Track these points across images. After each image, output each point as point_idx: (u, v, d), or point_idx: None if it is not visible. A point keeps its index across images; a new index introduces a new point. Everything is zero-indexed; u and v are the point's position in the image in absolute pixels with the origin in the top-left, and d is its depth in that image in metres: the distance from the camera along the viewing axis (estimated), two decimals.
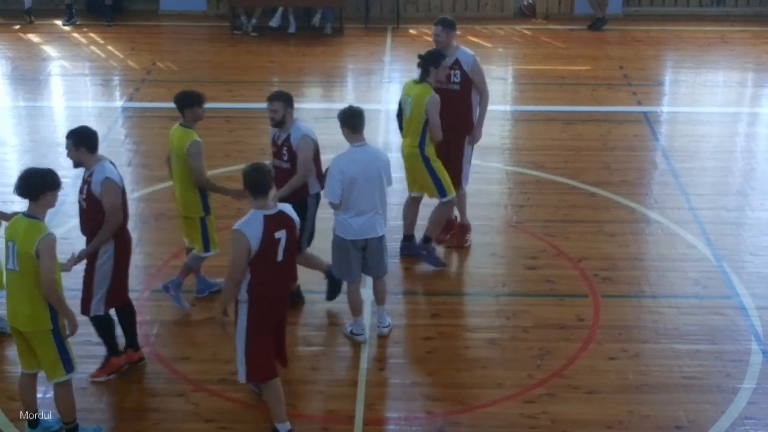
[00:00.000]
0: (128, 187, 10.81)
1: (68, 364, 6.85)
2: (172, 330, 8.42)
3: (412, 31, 16.84)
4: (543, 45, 16.34)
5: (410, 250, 9.48)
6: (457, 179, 9.39)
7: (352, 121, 7.87)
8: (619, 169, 11.49)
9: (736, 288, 9.07)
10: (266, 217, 6.67)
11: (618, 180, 11.18)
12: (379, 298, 8.34)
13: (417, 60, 8.93)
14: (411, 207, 9.44)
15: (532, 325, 8.48)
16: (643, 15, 17.97)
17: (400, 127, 9.19)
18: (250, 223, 6.66)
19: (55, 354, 6.77)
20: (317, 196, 8.43)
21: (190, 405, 7.49)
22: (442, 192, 9.04)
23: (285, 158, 8.21)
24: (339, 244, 8.07)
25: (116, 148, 12.02)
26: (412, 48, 15.77)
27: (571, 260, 9.48)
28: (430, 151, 8.94)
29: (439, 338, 8.37)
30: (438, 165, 8.98)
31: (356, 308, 8.20)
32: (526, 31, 17.03)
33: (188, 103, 8.24)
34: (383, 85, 14.22)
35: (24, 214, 6.70)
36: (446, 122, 8.88)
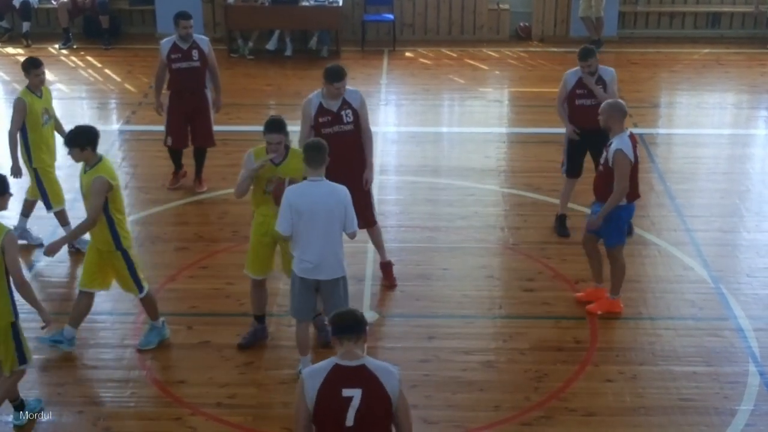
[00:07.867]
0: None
1: (22, 357, 7.11)
2: (167, 353, 8.39)
3: (408, 54, 16.87)
4: (539, 67, 16.39)
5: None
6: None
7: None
8: None
9: (733, 309, 9.07)
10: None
11: None
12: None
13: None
14: None
15: (529, 348, 8.47)
16: (639, 37, 18.06)
17: None
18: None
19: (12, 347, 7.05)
20: None
21: (187, 429, 7.46)
22: None
23: None
24: (294, 282, 7.64)
25: None
26: (408, 70, 15.84)
27: (568, 282, 9.48)
28: None
29: (435, 361, 8.36)
30: None
31: (307, 347, 7.90)
32: (522, 54, 17.09)
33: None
34: (380, 108, 14.23)
35: None
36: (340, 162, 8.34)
